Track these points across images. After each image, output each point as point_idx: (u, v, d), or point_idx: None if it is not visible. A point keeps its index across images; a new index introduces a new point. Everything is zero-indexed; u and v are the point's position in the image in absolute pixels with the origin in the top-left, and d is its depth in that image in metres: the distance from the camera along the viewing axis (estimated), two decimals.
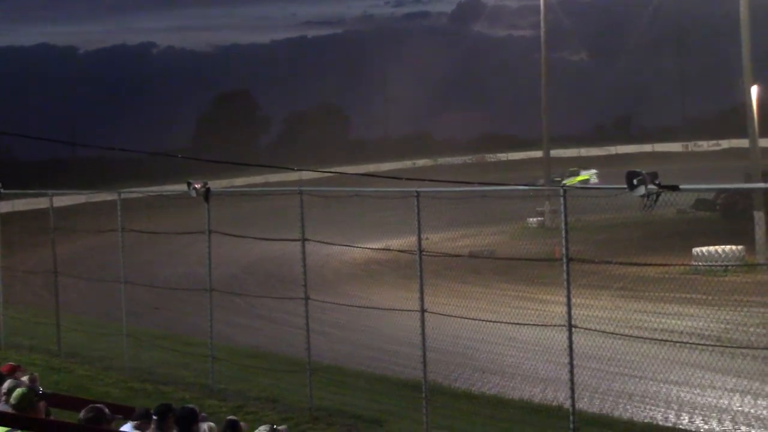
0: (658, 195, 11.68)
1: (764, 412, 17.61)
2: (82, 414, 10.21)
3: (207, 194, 19.15)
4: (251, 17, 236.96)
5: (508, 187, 20.42)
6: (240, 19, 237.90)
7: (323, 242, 20.28)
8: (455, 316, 17.46)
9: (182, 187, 19.43)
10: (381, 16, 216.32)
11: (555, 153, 73.57)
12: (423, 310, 16.26)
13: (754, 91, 41.60)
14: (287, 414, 17.95)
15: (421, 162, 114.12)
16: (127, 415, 10.89)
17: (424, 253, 16.57)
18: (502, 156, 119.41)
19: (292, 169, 22.26)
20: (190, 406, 10.79)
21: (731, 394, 18.67)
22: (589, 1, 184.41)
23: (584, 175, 75.49)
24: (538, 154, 69.92)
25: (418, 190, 16.35)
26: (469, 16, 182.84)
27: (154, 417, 10.29)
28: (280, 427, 10.65)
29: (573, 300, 14.35)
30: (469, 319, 17.74)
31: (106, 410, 10.30)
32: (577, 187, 13.69)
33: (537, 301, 28.36)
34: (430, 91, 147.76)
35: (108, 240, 26.87)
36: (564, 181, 63.31)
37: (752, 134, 41.45)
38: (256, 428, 10.56)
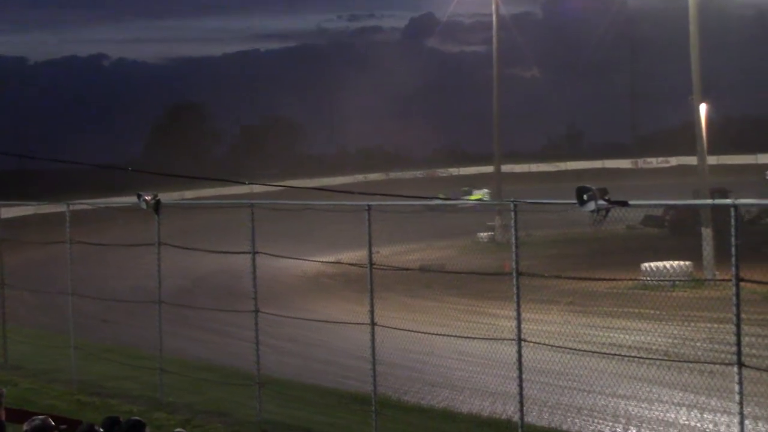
0: (607, 210, 11.78)
1: (710, 425, 17.75)
2: (25, 426, 10.10)
3: (157, 206, 19.05)
4: (204, 30, 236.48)
5: (458, 202, 20.48)
6: (193, 31, 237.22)
7: (274, 255, 20.22)
8: (405, 330, 17.49)
9: (132, 198, 19.32)
10: (335, 30, 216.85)
11: (506, 168, 73.88)
12: (373, 324, 16.28)
13: (703, 109, 42.03)
14: (236, 427, 17.87)
15: (373, 176, 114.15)
16: (71, 426, 10.77)
17: (375, 266, 16.59)
18: (454, 171, 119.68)
19: (243, 183, 22.09)
20: (136, 418, 10.71)
21: (678, 408, 18.81)
22: (542, 18, 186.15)
23: (477, 194, 75.85)
24: (490, 169, 70.15)
25: (370, 203, 16.37)
26: (422, 31, 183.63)
27: (100, 431, 10.19)
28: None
29: (523, 314, 14.42)
30: (419, 332, 17.78)
31: (50, 421, 10.20)
32: (528, 202, 13.68)
33: (487, 315, 28.41)
34: (385, 106, 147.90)
35: (57, 252, 26.63)
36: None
37: (700, 152, 41.87)
38: None
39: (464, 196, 73.32)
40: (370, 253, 16.37)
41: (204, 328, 30.37)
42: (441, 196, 67.29)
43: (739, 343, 11.57)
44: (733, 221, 11.48)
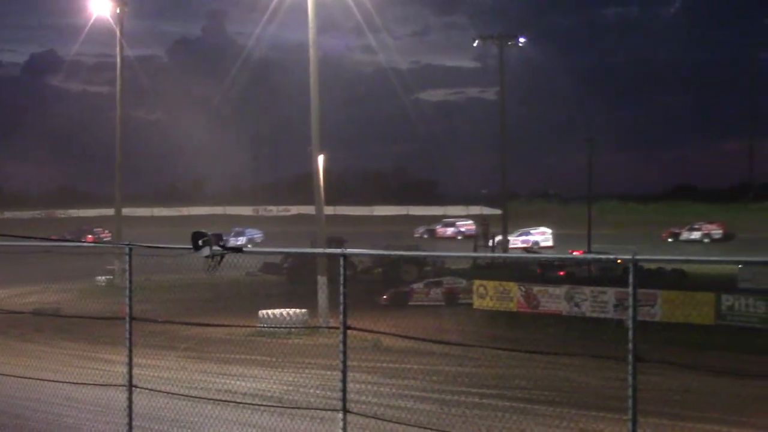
0: (222, 256, 11.84)
1: None
2: None
3: None
4: None
5: (73, 244, 20.04)
6: None
7: None
8: (11, 375, 16.83)
9: None
10: None
11: (127, 211, 72.98)
12: None
13: (321, 160, 43.24)
14: None
15: None
16: None
17: None
18: (74, 212, 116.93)
19: None
20: None
21: None
22: (168, 62, 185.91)
23: None
24: (111, 211, 69.03)
25: None
26: (43, 68, 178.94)
27: None
28: None
29: (139, 360, 14.23)
30: (25, 378, 17.15)
31: None
32: (143, 246, 13.57)
33: (101, 361, 27.82)
34: (1, 143, 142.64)
35: None
36: None
37: (318, 201, 43.03)
38: None
39: None
40: None
41: None
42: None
43: (344, 390, 11.87)
44: (341, 270, 11.78)
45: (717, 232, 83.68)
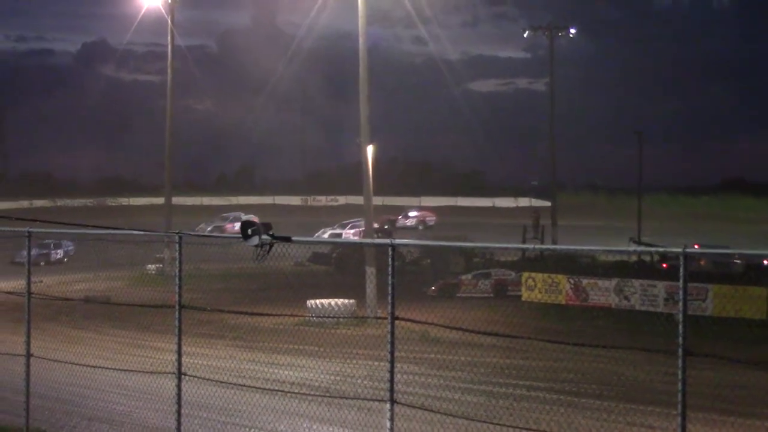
0: (270, 245, 11.86)
1: None
2: None
3: None
4: None
5: (124, 232, 20.16)
6: None
7: None
8: (63, 362, 16.98)
9: None
10: (2, 50, 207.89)
11: (177, 200, 73.45)
12: (29, 355, 15.76)
13: (370, 151, 43.27)
14: None
15: (40, 203, 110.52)
16: None
17: (34, 295, 16.07)
18: (124, 200, 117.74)
19: None
20: None
21: None
22: (217, 51, 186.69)
23: None
24: (161, 200, 69.46)
25: (30, 230, 15.86)
26: (95, 57, 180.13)
27: None
28: None
29: (188, 349, 14.32)
30: (78, 364, 17.30)
31: None
32: (192, 234, 13.65)
33: (151, 349, 28.01)
34: (53, 131, 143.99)
35: None
36: None
37: (366, 191, 43.07)
38: None
39: None
40: (29, 281, 15.84)
41: None
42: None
43: (392, 381, 11.87)
44: (390, 261, 11.76)
45: (431, 218, 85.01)
